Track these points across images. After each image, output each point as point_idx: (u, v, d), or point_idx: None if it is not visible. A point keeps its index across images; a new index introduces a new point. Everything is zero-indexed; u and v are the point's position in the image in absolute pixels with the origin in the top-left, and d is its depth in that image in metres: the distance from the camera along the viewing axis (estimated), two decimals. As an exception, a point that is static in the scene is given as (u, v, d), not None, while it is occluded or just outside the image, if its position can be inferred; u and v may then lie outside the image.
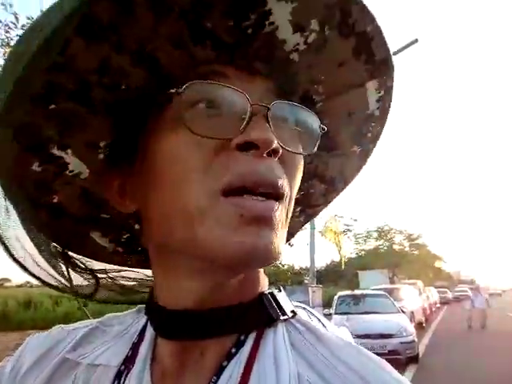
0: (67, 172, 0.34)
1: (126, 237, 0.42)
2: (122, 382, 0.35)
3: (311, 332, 0.35)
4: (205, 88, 0.31)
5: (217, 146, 0.30)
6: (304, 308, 4.53)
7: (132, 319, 0.41)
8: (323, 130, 0.35)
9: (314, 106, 0.36)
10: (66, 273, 0.42)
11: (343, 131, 0.39)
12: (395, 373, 0.32)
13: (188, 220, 0.30)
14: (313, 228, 10.85)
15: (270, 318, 0.34)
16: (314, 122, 0.34)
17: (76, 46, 0.28)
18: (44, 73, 0.28)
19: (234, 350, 0.33)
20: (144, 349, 0.36)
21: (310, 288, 9.30)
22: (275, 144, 0.30)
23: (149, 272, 0.45)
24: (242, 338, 0.33)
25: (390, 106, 0.39)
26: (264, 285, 0.36)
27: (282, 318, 0.34)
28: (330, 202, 0.47)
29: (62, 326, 0.43)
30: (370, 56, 0.34)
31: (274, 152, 0.30)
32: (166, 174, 0.31)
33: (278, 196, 0.31)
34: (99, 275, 0.45)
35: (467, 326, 13.38)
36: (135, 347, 0.37)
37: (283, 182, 0.31)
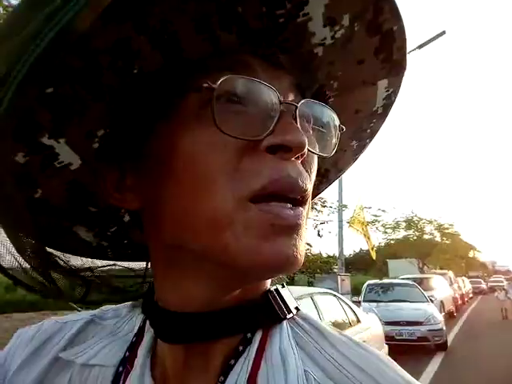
0: (56, 163, 0.31)
1: (113, 230, 0.39)
2: None
3: (315, 329, 0.34)
4: (233, 82, 0.29)
5: (244, 146, 0.29)
6: (334, 295, 4.78)
7: (127, 314, 0.39)
8: (342, 129, 0.34)
9: (326, 102, 0.35)
10: (46, 275, 0.38)
11: (347, 128, 0.37)
12: (402, 371, 0.32)
13: (213, 225, 0.28)
14: (341, 220, 11.01)
15: (277, 315, 0.33)
16: (334, 121, 0.33)
17: (94, 23, 0.24)
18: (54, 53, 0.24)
19: (241, 348, 0.32)
20: (143, 351, 0.34)
21: (339, 276, 9.52)
22: (307, 147, 0.29)
23: (133, 265, 0.44)
24: (249, 335, 0.32)
25: (393, 105, 0.39)
26: (268, 281, 0.35)
27: (288, 315, 0.34)
28: (320, 192, 0.46)
29: (55, 318, 0.41)
30: (389, 55, 0.34)
31: (302, 155, 0.29)
32: (186, 174, 0.29)
33: (304, 202, 0.30)
34: (84, 274, 0.41)
35: (501, 317, 13.17)
36: (133, 348, 0.35)
37: (309, 187, 0.30)
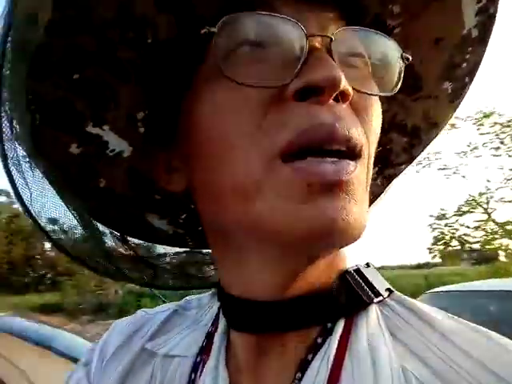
0: (108, 152, 0.31)
1: (184, 217, 0.38)
2: (198, 374, 0.32)
3: (416, 314, 0.28)
4: (245, 24, 0.25)
5: (269, 98, 0.25)
6: None
7: (208, 303, 0.38)
8: (407, 60, 0.27)
9: (389, 33, 0.29)
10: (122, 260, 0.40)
11: (429, 65, 0.31)
12: None
13: (241, 194, 0.25)
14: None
15: (361, 300, 0.28)
16: (393, 50, 0.27)
17: None
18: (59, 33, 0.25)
19: (319, 341, 0.28)
20: (218, 340, 0.32)
21: None
22: (343, 84, 0.23)
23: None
24: (329, 325, 0.28)
25: (494, 21, 0.30)
26: (346, 261, 0.30)
27: (375, 299, 0.29)
28: (415, 157, 0.39)
29: (145, 310, 0.41)
30: None
31: (343, 96, 0.24)
32: (210, 141, 0.27)
33: (353, 154, 0.25)
34: (159, 260, 0.42)
35: None
36: (210, 337, 0.34)
37: (359, 135, 0.25)
